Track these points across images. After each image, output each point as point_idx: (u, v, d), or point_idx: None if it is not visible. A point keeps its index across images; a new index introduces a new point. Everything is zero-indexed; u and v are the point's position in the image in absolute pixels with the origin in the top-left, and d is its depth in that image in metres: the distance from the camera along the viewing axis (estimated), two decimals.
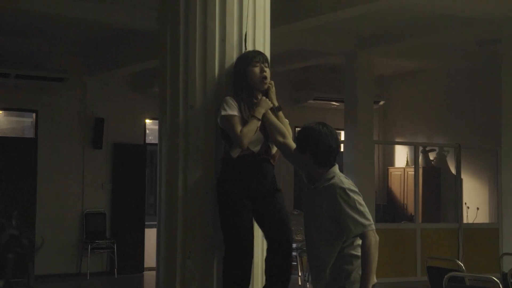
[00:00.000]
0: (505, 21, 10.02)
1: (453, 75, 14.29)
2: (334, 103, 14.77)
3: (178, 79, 4.79)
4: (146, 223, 13.84)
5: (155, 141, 11.00)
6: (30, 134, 13.41)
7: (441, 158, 14.52)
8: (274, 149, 4.77)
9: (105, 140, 13.56)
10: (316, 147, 4.27)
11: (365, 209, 4.20)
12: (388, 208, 15.09)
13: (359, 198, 4.22)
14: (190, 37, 4.78)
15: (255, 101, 4.72)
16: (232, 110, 4.57)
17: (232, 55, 4.79)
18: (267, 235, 4.72)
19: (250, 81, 4.69)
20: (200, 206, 4.73)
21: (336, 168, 4.34)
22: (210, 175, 4.72)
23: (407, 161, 15.24)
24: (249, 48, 4.81)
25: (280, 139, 4.64)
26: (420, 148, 13.93)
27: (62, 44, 13.11)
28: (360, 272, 4.19)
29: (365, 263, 4.11)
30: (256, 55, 4.73)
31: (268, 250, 4.72)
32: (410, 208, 14.18)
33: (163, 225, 4.86)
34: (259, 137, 4.67)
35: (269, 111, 4.71)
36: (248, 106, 4.64)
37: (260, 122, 4.64)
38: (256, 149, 4.67)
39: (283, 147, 4.64)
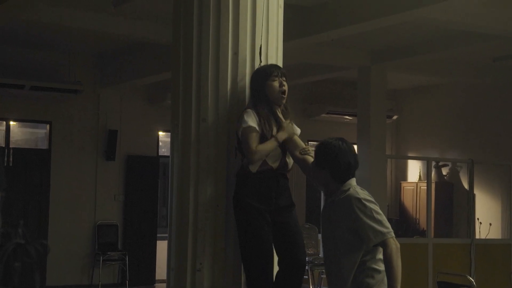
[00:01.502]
0: None
1: (467, 90, 14.26)
2: (347, 117, 14.75)
3: (190, 92, 4.79)
4: (158, 235, 13.85)
5: (168, 153, 11.16)
6: (43, 145, 13.45)
7: (454, 173, 14.56)
8: (290, 165, 4.76)
9: (118, 152, 13.57)
10: (335, 164, 4.29)
11: (382, 217, 4.20)
12: (400, 222, 15.04)
13: (375, 207, 4.21)
14: (203, 50, 4.78)
15: (279, 118, 4.68)
16: (253, 122, 4.52)
17: (245, 68, 4.77)
18: (280, 252, 4.67)
19: (269, 95, 4.64)
20: (211, 218, 4.72)
21: (352, 180, 4.35)
22: (221, 188, 4.71)
23: (419, 176, 15.25)
24: (263, 61, 4.78)
25: (298, 154, 4.64)
26: (433, 163, 13.93)
27: (77, 56, 13.16)
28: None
29: (389, 271, 4.11)
30: (275, 69, 4.69)
31: (281, 267, 4.68)
32: (422, 223, 14.20)
33: (174, 237, 4.85)
34: (277, 152, 4.64)
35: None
36: (266, 121, 4.60)
37: (277, 145, 4.62)
38: (275, 164, 4.63)
39: (303, 163, 4.64)
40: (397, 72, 12.91)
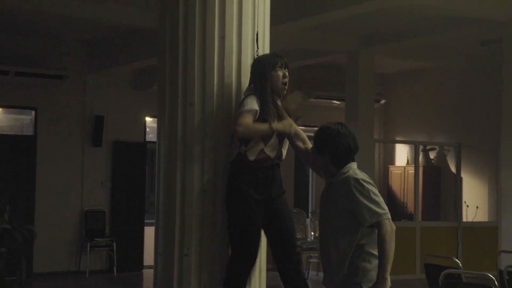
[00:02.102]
0: (507, 21, 10.01)
1: (455, 74, 14.22)
2: (335, 101, 14.66)
3: (177, 76, 4.75)
4: (146, 221, 13.80)
5: (155, 139, 11.23)
6: (29, 131, 13.35)
7: (441, 157, 14.49)
8: (284, 155, 4.79)
9: (105, 137, 13.49)
10: (335, 148, 4.27)
11: (380, 199, 4.20)
12: (388, 206, 14.30)
13: (373, 189, 4.21)
14: (189, 34, 4.75)
15: (280, 108, 4.67)
16: (255, 106, 4.54)
17: (232, 52, 4.72)
18: (273, 238, 4.73)
19: (272, 86, 4.64)
20: (197, 204, 4.69)
21: (353, 164, 4.35)
22: (209, 174, 4.68)
23: (407, 160, 15.14)
24: (257, 47, 4.76)
25: (301, 145, 4.67)
26: (421, 147, 13.87)
27: (62, 42, 13.05)
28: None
29: (381, 252, 4.11)
30: (279, 59, 4.68)
31: (279, 262, 4.74)
32: (410, 207, 14.16)
33: (161, 222, 4.83)
34: (275, 142, 4.66)
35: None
36: (268, 109, 4.59)
37: (271, 134, 4.62)
38: (272, 154, 4.65)
39: (304, 153, 4.67)
40: (385, 56, 12.85)
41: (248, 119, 4.48)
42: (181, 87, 4.72)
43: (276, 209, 4.68)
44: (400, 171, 15.20)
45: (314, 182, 15.05)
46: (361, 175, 4.24)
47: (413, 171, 13.20)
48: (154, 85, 12.89)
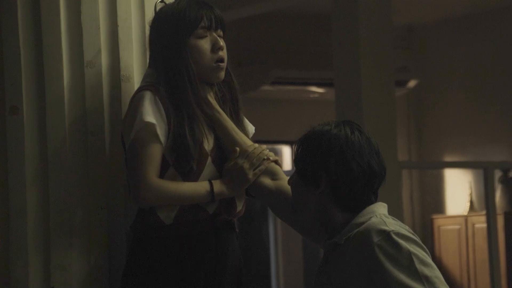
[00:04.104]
0: None
1: None
2: (314, 88, 10.81)
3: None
4: None
5: None
6: None
7: None
8: (241, 204, 3.33)
9: None
10: (343, 174, 3.05)
11: (433, 271, 2.91)
12: None
13: (418, 251, 2.91)
14: None
15: (214, 112, 3.24)
16: (154, 118, 3.08)
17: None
18: None
19: (194, 66, 3.22)
20: None
21: (377, 205, 3.04)
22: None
23: (470, 203, 10.96)
24: None
25: (268, 181, 3.30)
26: (498, 173, 10.47)
27: None
28: None
29: None
30: (204, 12, 3.22)
31: None
32: None
33: None
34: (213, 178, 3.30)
35: (230, 126, 3.26)
36: (189, 119, 3.15)
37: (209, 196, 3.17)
38: (210, 208, 3.20)
39: (275, 194, 3.32)
40: None
41: (154, 162, 3.11)
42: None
43: None
44: (456, 226, 11.11)
45: None
46: (393, 225, 2.99)
47: (483, 225, 9.96)
48: None
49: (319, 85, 10.61)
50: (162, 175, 3.03)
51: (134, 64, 3.35)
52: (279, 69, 10.41)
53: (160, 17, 3.23)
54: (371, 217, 3.01)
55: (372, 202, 3.05)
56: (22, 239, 3.23)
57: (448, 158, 11.36)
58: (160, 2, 3.33)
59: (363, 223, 2.98)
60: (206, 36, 3.18)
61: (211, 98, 3.23)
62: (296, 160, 3.11)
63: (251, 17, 9.94)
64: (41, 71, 3.23)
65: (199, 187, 3.07)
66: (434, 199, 11.58)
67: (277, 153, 10.93)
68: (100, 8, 3.25)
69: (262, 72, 10.38)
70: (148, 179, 3.01)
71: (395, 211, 9.12)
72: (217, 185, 3.14)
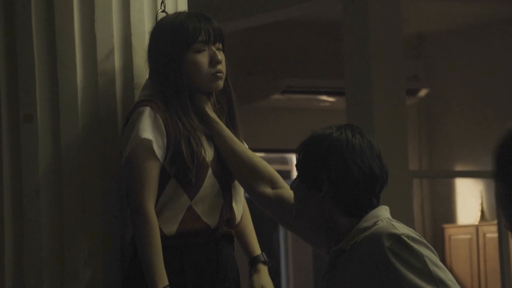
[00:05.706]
0: None
1: None
2: (324, 97, 10.87)
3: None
4: None
5: None
6: None
7: None
8: (239, 215, 3.40)
9: None
10: (345, 178, 3.07)
11: (447, 274, 2.93)
12: None
13: (429, 254, 2.94)
14: None
15: (214, 123, 3.28)
16: (151, 135, 3.11)
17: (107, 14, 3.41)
18: None
19: (192, 79, 3.24)
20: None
21: (381, 209, 3.07)
22: None
23: (481, 212, 11.05)
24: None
25: (269, 190, 3.40)
26: None
27: None
28: None
29: None
30: (202, 26, 3.25)
31: None
32: None
33: None
34: (213, 189, 3.29)
35: (228, 136, 3.29)
36: (187, 133, 3.17)
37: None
38: (212, 220, 3.24)
39: (274, 202, 3.41)
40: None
41: (152, 183, 3.11)
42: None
43: None
44: (467, 235, 11.20)
45: None
46: (403, 228, 3.00)
47: (494, 235, 10.18)
48: None
49: (329, 94, 10.75)
50: (163, 187, 3.04)
51: (147, 72, 3.34)
52: (289, 78, 10.52)
53: (159, 28, 3.25)
54: (376, 222, 3.03)
55: (374, 206, 3.07)
56: (36, 246, 3.23)
57: (459, 167, 11.46)
58: (162, 11, 3.36)
59: (368, 227, 3.01)
60: (204, 50, 3.20)
61: (209, 109, 3.24)
62: (298, 164, 3.15)
63: (261, 26, 9.96)
64: (55, 79, 3.26)
65: (160, 277, 3.05)
66: (445, 209, 11.65)
67: (287, 162, 10.90)
68: (113, 17, 3.27)
69: (273, 81, 10.52)
70: (145, 209, 3.03)
71: (406, 220, 8.87)
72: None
